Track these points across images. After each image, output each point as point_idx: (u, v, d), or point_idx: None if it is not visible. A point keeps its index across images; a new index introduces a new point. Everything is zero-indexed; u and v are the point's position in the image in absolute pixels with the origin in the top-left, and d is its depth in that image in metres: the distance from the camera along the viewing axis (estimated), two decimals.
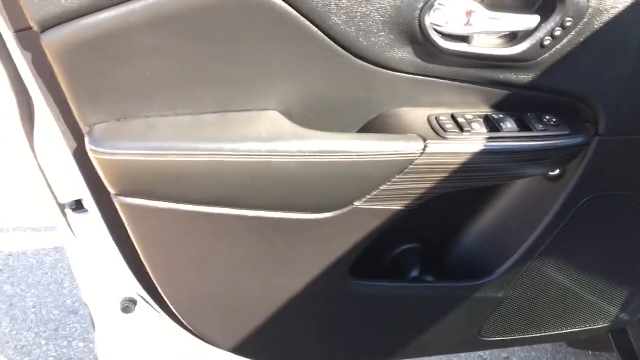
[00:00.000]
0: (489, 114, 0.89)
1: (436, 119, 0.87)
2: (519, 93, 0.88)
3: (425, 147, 0.83)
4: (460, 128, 0.85)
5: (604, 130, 0.91)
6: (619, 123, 0.91)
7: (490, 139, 0.85)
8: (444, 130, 0.85)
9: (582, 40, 0.82)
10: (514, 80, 0.86)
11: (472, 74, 0.86)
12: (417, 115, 0.88)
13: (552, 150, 0.87)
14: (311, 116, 0.86)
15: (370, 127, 0.89)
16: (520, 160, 0.88)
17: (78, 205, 0.93)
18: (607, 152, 0.93)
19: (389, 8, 0.78)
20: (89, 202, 0.90)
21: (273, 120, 0.82)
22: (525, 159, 0.87)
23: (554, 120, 0.89)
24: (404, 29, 0.79)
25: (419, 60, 0.84)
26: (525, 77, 0.86)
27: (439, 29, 0.80)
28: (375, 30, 0.79)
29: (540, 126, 0.87)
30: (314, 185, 0.84)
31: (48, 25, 0.70)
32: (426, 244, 1.09)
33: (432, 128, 0.86)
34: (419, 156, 0.83)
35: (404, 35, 0.80)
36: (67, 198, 0.92)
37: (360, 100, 0.87)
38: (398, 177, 0.84)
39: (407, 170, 0.84)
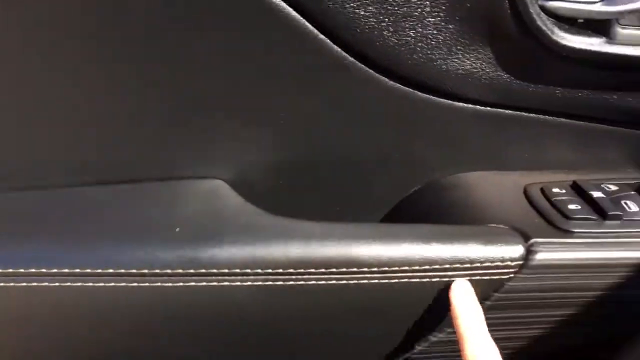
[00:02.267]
0: None
1: (543, 191, 0.44)
2: None
3: (530, 250, 0.39)
4: (600, 211, 0.42)
5: None
6: None
7: None
8: (565, 215, 0.42)
9: None
10: None
11: (613, 104, 0.44)
12: (502, 185, 0.46)
13: None
14: (287, 189, 0.45)
15: (411, 209, 0.47)
16: None
17: None
18: None
19: None
20: None
21: (215, 197, 0.42)
22: None
23: None
24: (477, 14, 0.39)
25: (508, 78, 0.42)
26: None
27: (552, 4, 0.39)
28: (415, 19, 0.39)
29: None
30: (297, 332, 0.41)
31: None
32: None
33: (538, 211, 0.43)
34: (517, 270, 0.39)
35: (477, 27, 0.40)
36: None
37: (388, 155, 0.46)
38: None
39: (490, 302, 0.40)
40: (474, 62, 0.41)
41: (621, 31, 0.40)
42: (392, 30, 0.39)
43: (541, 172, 0.47)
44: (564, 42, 0.39)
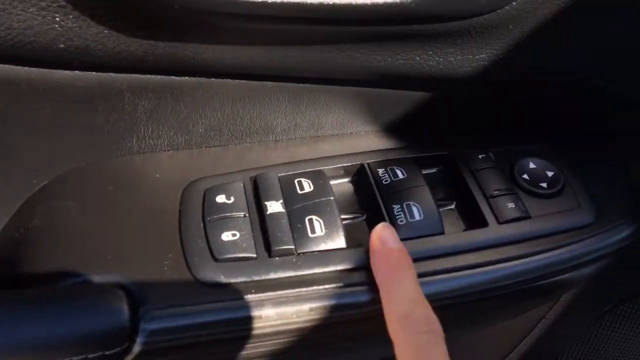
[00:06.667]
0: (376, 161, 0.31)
1: (204, 202, 0.28)
2: (456, 97, 0.31)
3: (136, 329, 0.24)
4: (266, 242, 0.27)
5: None
6: None
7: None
8: (213, 255, 0.26)
9: None
10: (447, 69, 0.28)
11: (324, 60, 0.27)
12: (154, 182, 0.29)
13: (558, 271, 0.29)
14: None
15: (23, 221, 0.30)
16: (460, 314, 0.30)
17: None
18: None
19: None
20: None
21: None
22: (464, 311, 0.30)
23: (551, 175, 0.31)
24: None
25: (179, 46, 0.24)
26: (472, 58, 0.27)
27: None
28: None
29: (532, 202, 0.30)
30: None
31: None
32: None
33: (183, 243, 0.27)
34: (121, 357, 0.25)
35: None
36: None
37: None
38: None
39: None
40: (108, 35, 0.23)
41: None
42: None
43: (218, 151, 0.31)
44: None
